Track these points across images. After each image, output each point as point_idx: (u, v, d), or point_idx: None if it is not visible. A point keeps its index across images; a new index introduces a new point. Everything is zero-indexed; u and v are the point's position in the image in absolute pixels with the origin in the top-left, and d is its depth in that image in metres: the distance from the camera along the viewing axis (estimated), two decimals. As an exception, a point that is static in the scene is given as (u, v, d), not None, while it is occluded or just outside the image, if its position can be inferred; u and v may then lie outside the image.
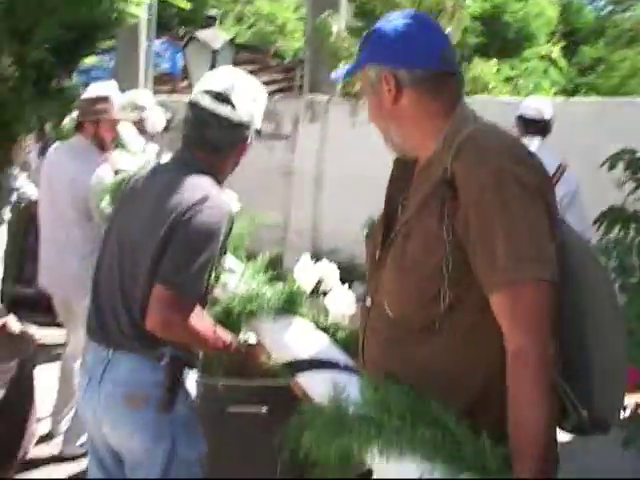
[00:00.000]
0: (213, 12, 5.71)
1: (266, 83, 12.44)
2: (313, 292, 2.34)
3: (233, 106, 2.36)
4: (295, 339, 2.10)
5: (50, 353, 6.22)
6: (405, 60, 1.75)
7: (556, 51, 8.94)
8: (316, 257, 7.52)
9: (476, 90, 8.33)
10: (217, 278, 2.36)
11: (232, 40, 5.39)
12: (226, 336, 2.33)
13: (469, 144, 1.65)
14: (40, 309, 6.98)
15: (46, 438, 4.40)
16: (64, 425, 4.31)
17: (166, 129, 4.86)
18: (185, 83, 10.28)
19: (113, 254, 2.38)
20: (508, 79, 8.71)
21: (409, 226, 1.74)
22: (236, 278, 2.38)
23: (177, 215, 2.23)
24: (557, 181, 4.45)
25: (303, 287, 2.27)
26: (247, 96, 2.41)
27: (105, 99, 4.24)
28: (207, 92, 2.38)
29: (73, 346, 4.30)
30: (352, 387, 1.74)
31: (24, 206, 7.72)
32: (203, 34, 5.03)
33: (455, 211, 1.62)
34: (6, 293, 7.28)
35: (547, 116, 4.81)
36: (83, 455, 4.05)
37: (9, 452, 3.61)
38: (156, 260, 2.23)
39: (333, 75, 2.07)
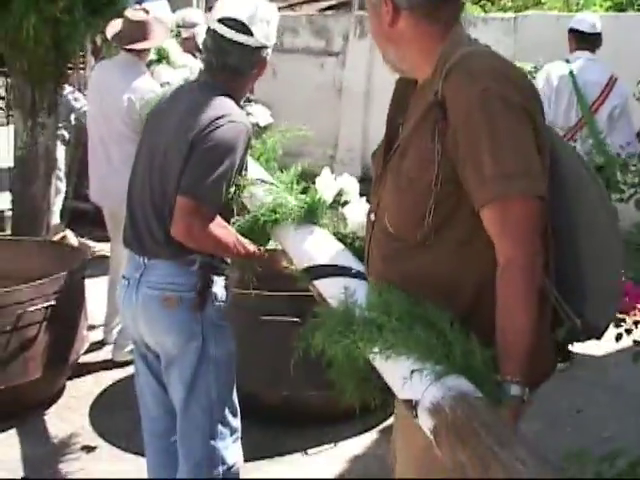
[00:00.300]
0: None
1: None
2: (334, 203, 2.44)
3: (250, 32, 2.47)
4: (313, 247, 2.21)
5: (105, 265, 6.49)
6: None
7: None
8: (365, 173, 7.60)
9: (527, 5, 8.12)
10: (242, 188, 2.50)
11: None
12: (247, 243, 2.48)
13: (458, 67, 1.69)
14: (97, 224, 7.25)
15: (99, 345, 4.63)
16: (115, 333, 4.52)
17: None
18: None
19: (144, 169, 2.56)
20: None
21: (404, 146, 1.80)
22: (264, 188, 2.49)
23: (196, 132, 2.40)
24: (609, 92, 4.61)
25: (324, 198, 2.38)
26: (262, 20, 2.51)
27: (146, 27, 4.28)
28: (224, 20, 2.48)
29: (119, 257, 4.47)
30: (361, 292, 1.84)
31: (83, 124, 7.93)
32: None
33: (446, 131, 1.68)
34: (65, 209, 7.55)
35: (597, 30, 4.86)
36: (132, 362, 4.31)
37: (61, 357, 3.87)
38: (180, 175, 2.42)
39: None
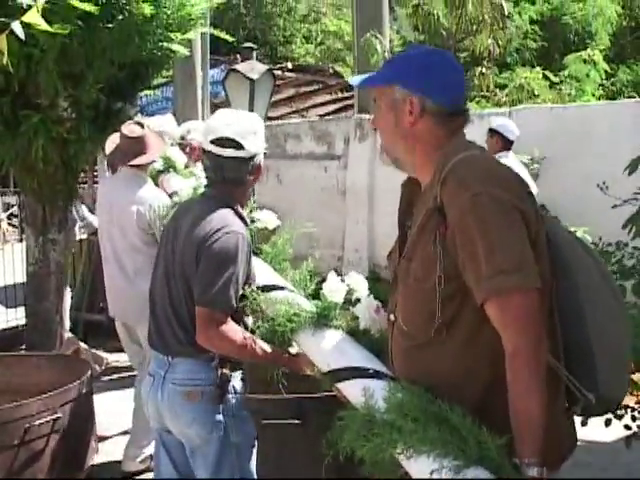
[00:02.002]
0: (248, 44, 5.90)
1: (326, 103, 12.74)
2: (345, 303, 2.53)
3: (241, 145, 2.71)
4: (331, 350, 2.32)
5: (117, 376, 6.53)
6: (434, 93, 1.95)
7: (597, 54, 8.94)
8: (373, 271, 7.63)
9: (521, 99, 8.34)
10: (254, 299, 2.66)
11: (270, 70, 5.58)
12: (267, 347, 2.62)
13: (451, 174, 1.86)
14: (111, 335, 7.32)
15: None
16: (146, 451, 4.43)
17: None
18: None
19: (162, 274, 2.80)
20: (553, 85, 8.71)
21: (411, 249, 1.96)
22: (279, 297, 2.63)
23: (200, 244, 2.64)
24: None
25: (334, 301, 2.48)
26: (249, 132, 2.74)
27: (143, 145, 4.41)
28: (216, 140, 2.71)
29: (139, 364, 4.47)
30: (379, 392, 1.96)
31: (91, 235, 8.11)
32: (241, 66, 5.27)
33: (446, 234, 1.83)
34: (79, 321, 7.64)
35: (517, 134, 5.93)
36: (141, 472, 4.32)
37: (69, 469, 3.86)
38: (191, 283, 2.66)
39: (352, 80, 2.22)
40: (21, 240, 7.98)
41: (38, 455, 3.64)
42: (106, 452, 4.57)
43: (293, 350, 2.65)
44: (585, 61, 9.03)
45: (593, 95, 8.86)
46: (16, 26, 3.23)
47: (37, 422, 3.62)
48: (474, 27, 7.13)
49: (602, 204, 3.85)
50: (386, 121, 2.02)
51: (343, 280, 2.58)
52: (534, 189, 4.93)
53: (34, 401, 3.69)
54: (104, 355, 6.97)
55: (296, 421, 3.22)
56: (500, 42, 7.31)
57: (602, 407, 1.95)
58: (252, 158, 2.75)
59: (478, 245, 1.76)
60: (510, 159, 5.69)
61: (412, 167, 2.03)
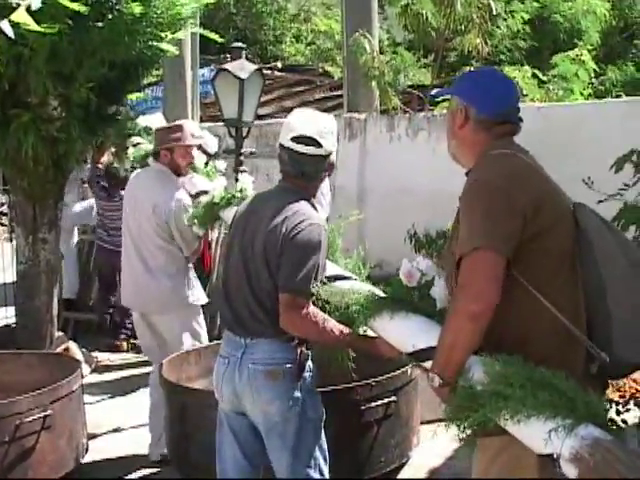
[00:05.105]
0: (238, 43, 5.91)
1: (316, 101, 12.77)
2: (419, 285, 2.61)
3: (319, 144, 2.92)
4: (412, 331, 2.44)
5: (110, 374, 6.54)
6: (478, 104, 2.39)
7: (585, 53, 8.99)
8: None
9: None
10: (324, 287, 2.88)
11: (260, 70, 5.60)
12: (345, 329, 2.78)
13: (474, 167, 2.34)
14: (101, 334, 7.34)
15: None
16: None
17: (216, 154, 5.08)
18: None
19: (238, 261, 2.97)
20: (542, 83, 8.75)
21: (453, 232, 2.39)
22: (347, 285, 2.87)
23: (284, 235, 2.85)
24: None
25: (409, 285, 2.58)
26: (327, 131, 2.96)
27: (179, 127, 4.54)
28: (297, 138, 2.91)
29: (156, 359, 4.50)
30: (475, 366, 2.10)
31: (82, 234, 8.12)
32: (231, 65, 5.29)
33: None
34: (69, 320, 7.65)
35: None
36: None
37: (59, 465, 3.89)
38: (276, 269, 2.86)
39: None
40: (11, 239, 7.96)
41: (29, 452, 3.66)
42: (96, 450, 4.59)
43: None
44: (574, 60, 9.08)
45: (582, 94, 8.90)
46: (5, 25, 3.26)
47: (28, 419, 3.64)
48: (463, 27, 7.17)
49: (590, 202, 3.88)
50: (447, 123, 2.50)
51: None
52: None
53: (25, 398, 3.72)
54: (94, 354, 7.00)
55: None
56: (488, 41, 7.34)
57: (617, 369, 2.20)
58: (328, 156, 2.97)
59: (465, 220, 2.19)
60: None
61: (465, 163, 2.44)
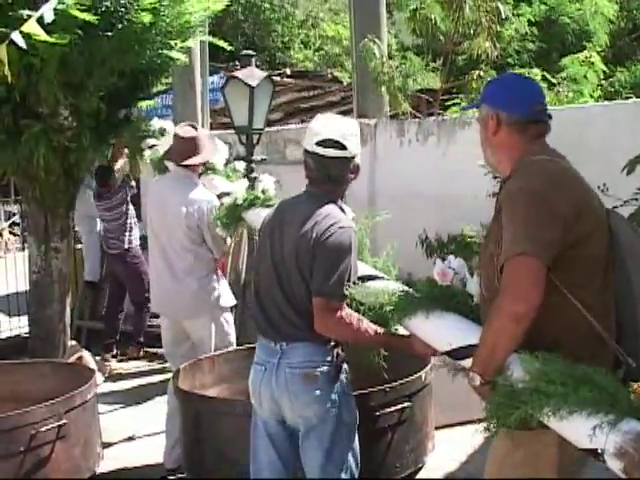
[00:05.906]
0: (247, 51, 5.93)
1: (325, 106, 12.78)
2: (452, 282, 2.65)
3: (344, 146, 2.94)
4: (449, 330, 2.46)
5: (124, 383, 6.56)
6: (507, 107, 2.41)
7: (595, 55, 8.97)
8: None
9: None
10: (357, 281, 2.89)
11: (269, 76, 5.60)
12: (379, 329, 2.83)
13: (514, 172, 2.34)
14: (113, 343, 7.35)
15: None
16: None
17: (227, 162, 5.09)
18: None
19: (269, 267, 3.00)
20: (551, 86, 8.73)
21: (488, 232, 2.45)
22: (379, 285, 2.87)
23: (315, 239, 2.88)
24: None
25: (443, 283, 2.62)
26: (352, 134, 2.97)
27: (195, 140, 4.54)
28: (322, 142, 2.92)
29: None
30: (514, 364, 2.13)
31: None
32: (241, 73, 5.30)
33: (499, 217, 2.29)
34: (82, 328, 7.68)
35: None
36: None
37: (75, 474, 3.87)
38: (308, 273, 2.89)
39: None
40: (23, 249, 8.00)
41: (44, 462, 3.66)
42: (111, 458, 4.60)
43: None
44: (583, 62, 9.06)
45: (591, 96, 8.87)
46: (16, 36, 3.27)
47: (42, 429, 3.64)
48: (472, 30, 7.15)
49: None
50: (480, 133, 2.51)
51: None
52: None
53: (39, 408, 3.72)
54: (107, 363, 7.02)
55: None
56: (497, 45, 7.31)
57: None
58: (353, 158, 2.99)
59: (508, 225, 2.20)
60: None
61: (503, 170, 2.46)
